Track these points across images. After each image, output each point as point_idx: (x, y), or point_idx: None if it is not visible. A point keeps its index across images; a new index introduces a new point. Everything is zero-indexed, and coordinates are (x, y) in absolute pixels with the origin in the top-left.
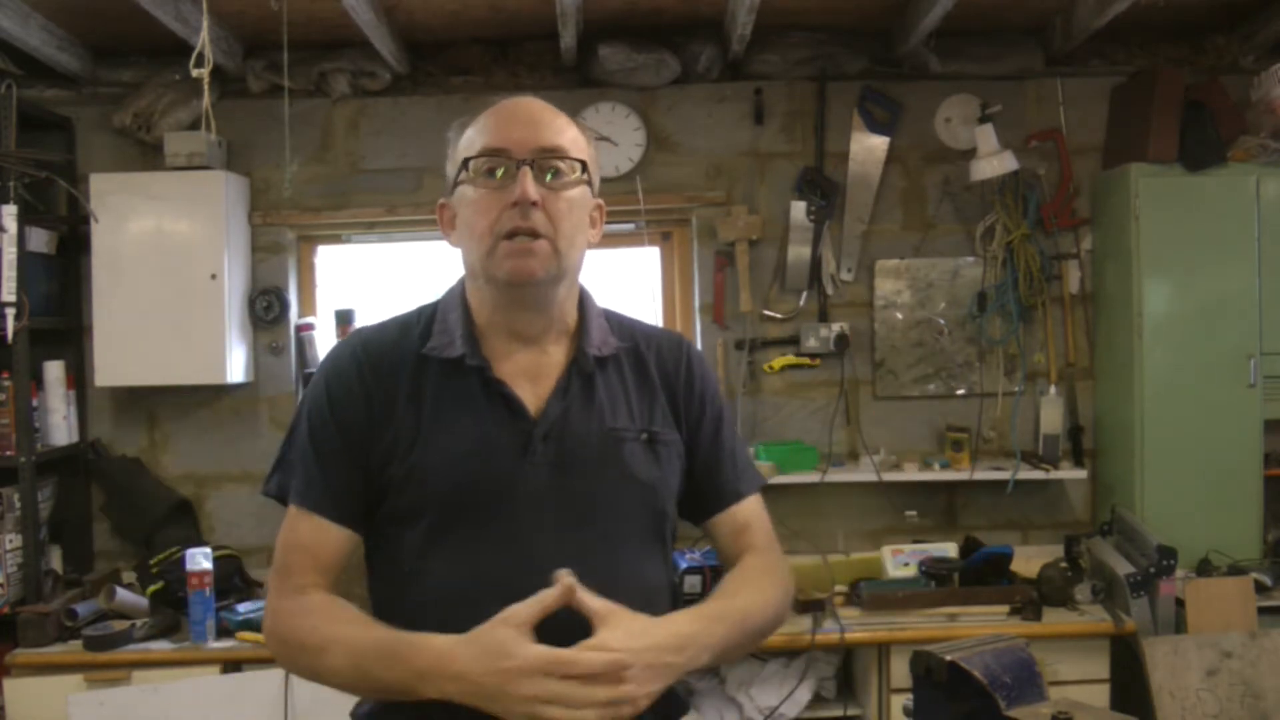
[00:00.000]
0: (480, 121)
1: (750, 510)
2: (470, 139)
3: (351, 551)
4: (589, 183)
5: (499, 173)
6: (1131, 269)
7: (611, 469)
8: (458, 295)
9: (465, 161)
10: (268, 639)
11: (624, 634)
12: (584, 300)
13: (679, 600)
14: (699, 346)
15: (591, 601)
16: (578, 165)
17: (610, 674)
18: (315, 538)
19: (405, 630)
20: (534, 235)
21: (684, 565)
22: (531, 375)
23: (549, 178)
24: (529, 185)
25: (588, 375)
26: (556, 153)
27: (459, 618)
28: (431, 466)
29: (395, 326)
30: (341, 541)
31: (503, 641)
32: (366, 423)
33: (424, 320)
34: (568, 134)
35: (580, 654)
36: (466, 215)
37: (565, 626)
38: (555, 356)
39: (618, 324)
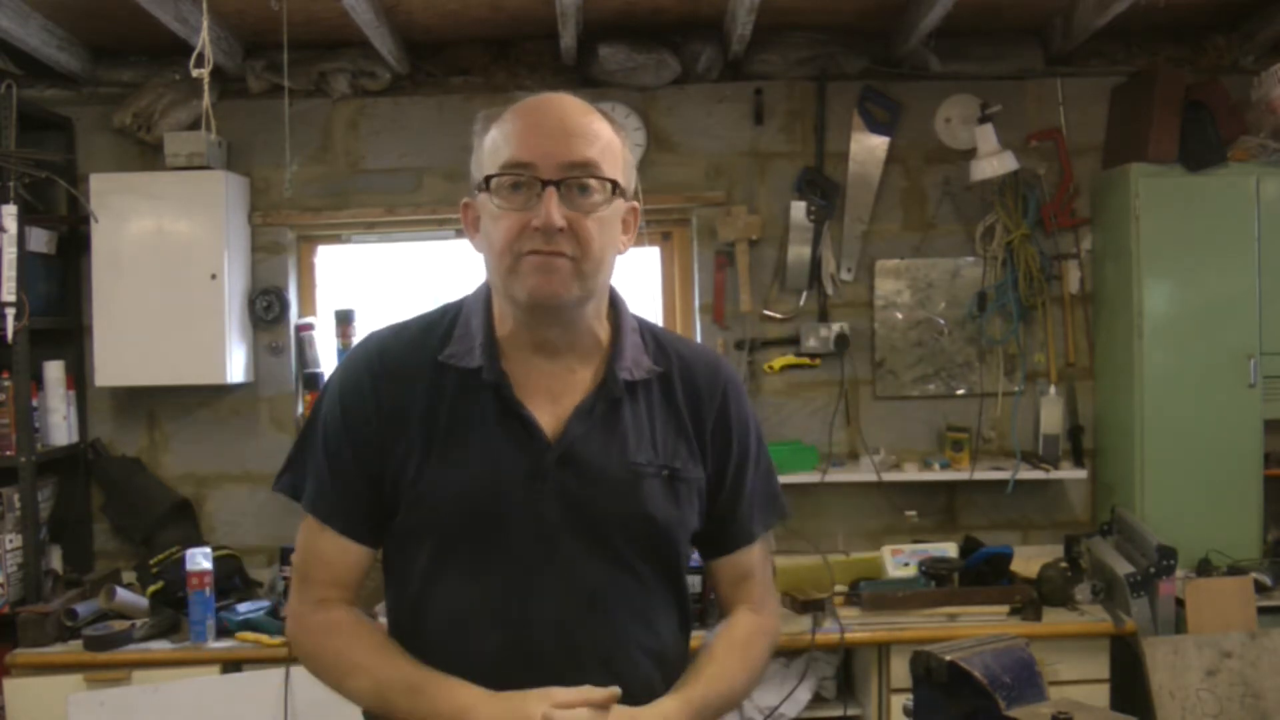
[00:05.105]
0: (507, 123)
1: (754, 558)
2: (495, 144)
3: (369, 565)
4: (622, 194)
5: (524, 187)
6: (1131, 269)
7: (628, 505)
8: (482, 300)
9: (487, 179)
10: (292, 644)
11: None
12: (619, 314)
13: (690, 621)
14: None
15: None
16: (609, 185)
17: None
18: (332, 552)
19: (418, 656)
20: (557, 255)
21: None
22: (554, 394)
23: (578, 195)
24: (554, 212)
25: (614, 400)
26: (586, 169)
27: (458, 648)
28: (437, 488)
29: (417, 328)
30: (358, 557)
31: (528, 708)
32: (378, 436)
33: (447, 322)
34: (599, 143)
35: None
36: (487, 228)
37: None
38: (581, 375)
39: (654, 341)
